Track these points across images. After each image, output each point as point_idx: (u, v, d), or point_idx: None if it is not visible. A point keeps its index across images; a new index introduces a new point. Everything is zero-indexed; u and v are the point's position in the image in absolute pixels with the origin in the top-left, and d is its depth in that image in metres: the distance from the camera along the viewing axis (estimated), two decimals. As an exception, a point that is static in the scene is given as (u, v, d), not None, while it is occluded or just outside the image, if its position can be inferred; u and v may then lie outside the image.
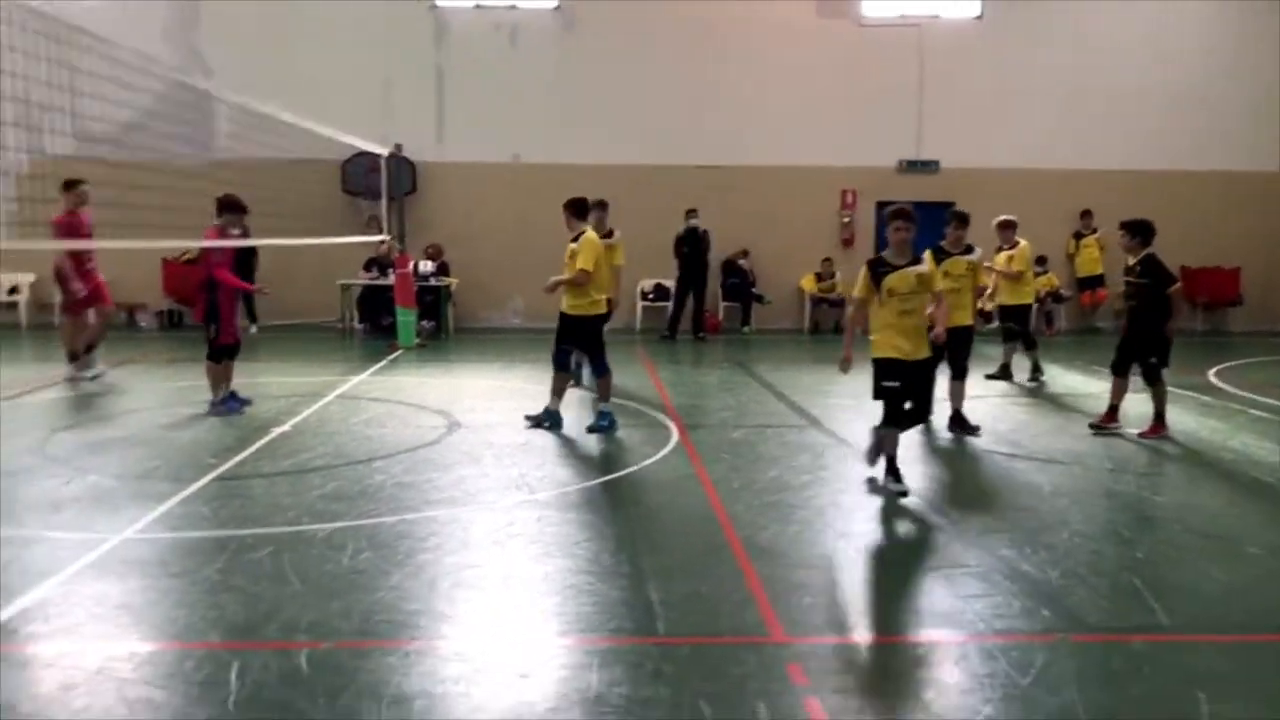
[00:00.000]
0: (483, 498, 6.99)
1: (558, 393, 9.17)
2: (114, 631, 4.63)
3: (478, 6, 17.96)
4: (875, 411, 9.91)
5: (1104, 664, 4.43)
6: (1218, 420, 10.00)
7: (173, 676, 4.14)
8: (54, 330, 16.73)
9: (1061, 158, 18.08)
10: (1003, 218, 11.55)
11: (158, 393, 10.89)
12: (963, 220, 9.52)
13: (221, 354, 9.60)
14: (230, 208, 9.48)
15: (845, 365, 7.32)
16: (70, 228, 10.03)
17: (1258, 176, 18.49)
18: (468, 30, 17.92)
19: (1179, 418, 10.04)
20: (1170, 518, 6.72)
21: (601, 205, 10.34)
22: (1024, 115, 18.21)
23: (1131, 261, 9.10)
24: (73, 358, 11.33)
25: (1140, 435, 8.96)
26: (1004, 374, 12.28)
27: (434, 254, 17.10)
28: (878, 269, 7.03)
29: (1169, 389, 9.15)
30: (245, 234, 10.06)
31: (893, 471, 7.00)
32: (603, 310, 9.20)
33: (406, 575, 5.32)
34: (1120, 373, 9.17)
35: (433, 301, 16.87)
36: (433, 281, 16.73)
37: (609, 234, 10.48)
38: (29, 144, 7.04)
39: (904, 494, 6.82)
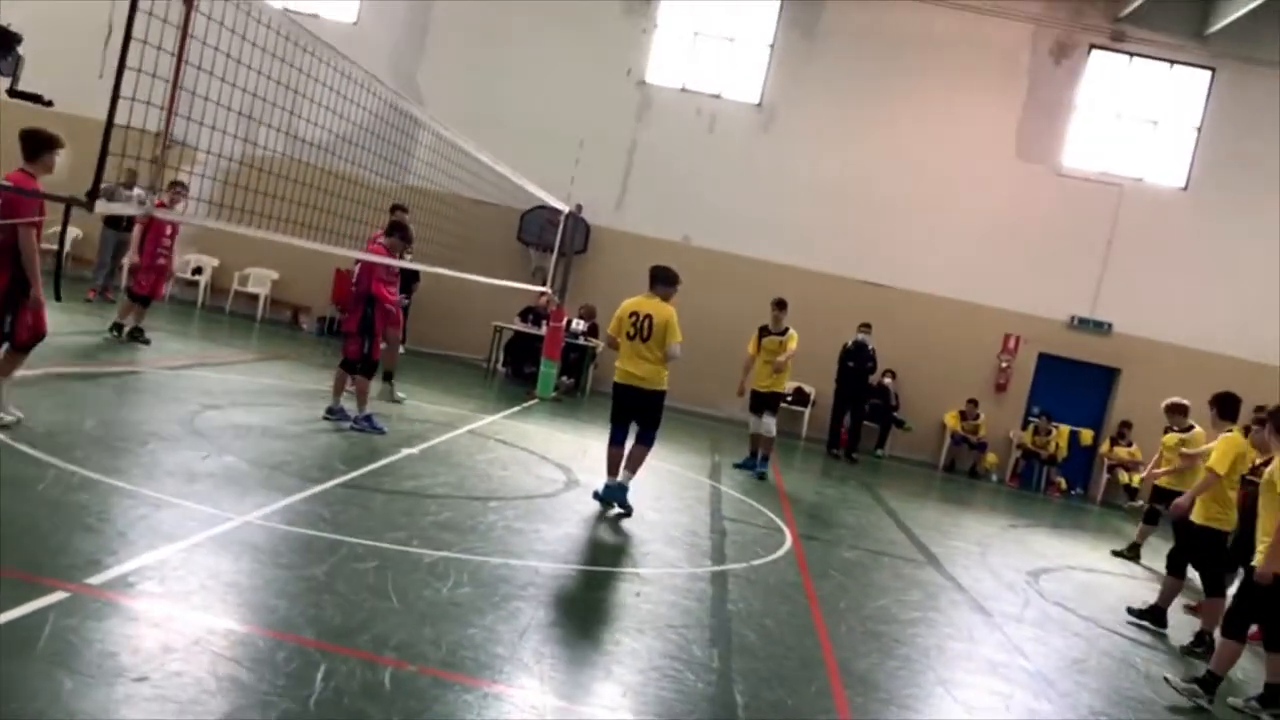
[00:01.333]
0: (587, 560, 6.99)
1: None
2: (219, 606, 4.80)
3: (684, 90, 18.49)
4: (999, 564, 9.52)
5: None
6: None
7: (262, 663, 4.24)
8: (223, 313, 17.81)
9: (1241, 347, 17.19)
10: (1172, 400, 10.93)
11: (308, 394, 11.36)
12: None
13: (371, 368, 9.92)
14: (400, 230, 9.88)
15: None
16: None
17: None
18: (669, 109, 18.44)
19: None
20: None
21: (779, 305, 12.09)
22: (1213, 294, 17.47)
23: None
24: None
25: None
26: (1133, 553, 11.52)
27: (587, 314, 17.44)
28: None
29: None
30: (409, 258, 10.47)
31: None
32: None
33: (500, 618, 5.34)
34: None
35: (577, 359, 17.17)
36: (581, 340, 17.05)
37: (784, 330, 12.03)
38: (247, 133, 7.53)
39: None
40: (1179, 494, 10.67)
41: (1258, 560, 6.31)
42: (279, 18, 7.36)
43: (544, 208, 16.82)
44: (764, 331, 12.05)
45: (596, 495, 8.50)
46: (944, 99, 17.90)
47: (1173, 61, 17.87)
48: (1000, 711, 5.64)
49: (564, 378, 16.59)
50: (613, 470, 8.51)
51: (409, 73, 18.16)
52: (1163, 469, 10.58)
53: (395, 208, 11.32)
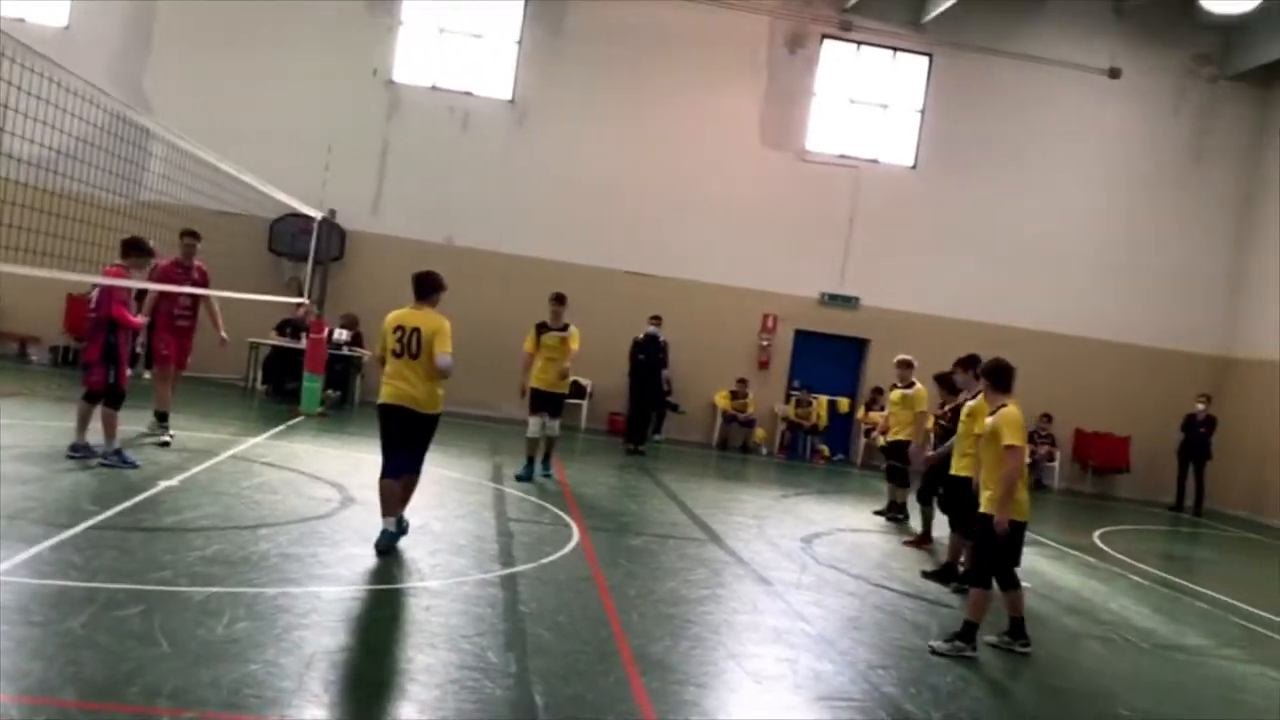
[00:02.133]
0: (371, 579, 6.78)
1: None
2: (-42, 678, 4.32)
3: (434, 88, 18.18)
4: (776, 533, 9.99)
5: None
6: (1099, 582, 10.27)
7: (16, 734, 3.86)
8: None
9: (976, 310, 18.76)
10: (901, 356, 11.94)
11: (44, 431, 10.42)
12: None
13: (118, 398, 9.21)
14: (136, 248, 9.20)
15: None
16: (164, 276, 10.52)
17: (1156, 352, 19.43)
18: (420, 109, 18.10)
19: (1064, 575, 10.33)
20: (1049, 671, 6.81)
21: (558, 299, 11.53)
22: (944, 266, 18.94)
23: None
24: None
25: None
26: (893, 511, 12.29)
27: (350, 323, 16.87)
28: None
29: (1056, 545, 9.38)
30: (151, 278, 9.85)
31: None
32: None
33: (283, 650, 5.10)
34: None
35: (342, 370, 16.60)
36: (345, 351, 16.49)
37: (564, 326, 11.47)
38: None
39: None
40: (905, 444, 11.54)
41: (986, 507, 6.88)
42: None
43: (295, 215, 16.11)
44: (542, 328, 11.52)
45: (379, 549, 7.35)
46: (690, 91, 18.48)
47: (895, 49, 19.20)
48: (788, 677, 5.90)
49: (330, 391, 15.99)
50: (390, 509, 7.51)
51: (133, 79, 16.94)
52: (890, 423, 11.75)
53: (185, 233, 10.92)
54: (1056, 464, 18.95)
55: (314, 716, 4.43)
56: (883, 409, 17.85)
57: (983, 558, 6.93)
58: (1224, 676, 7.32)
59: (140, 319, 9.76)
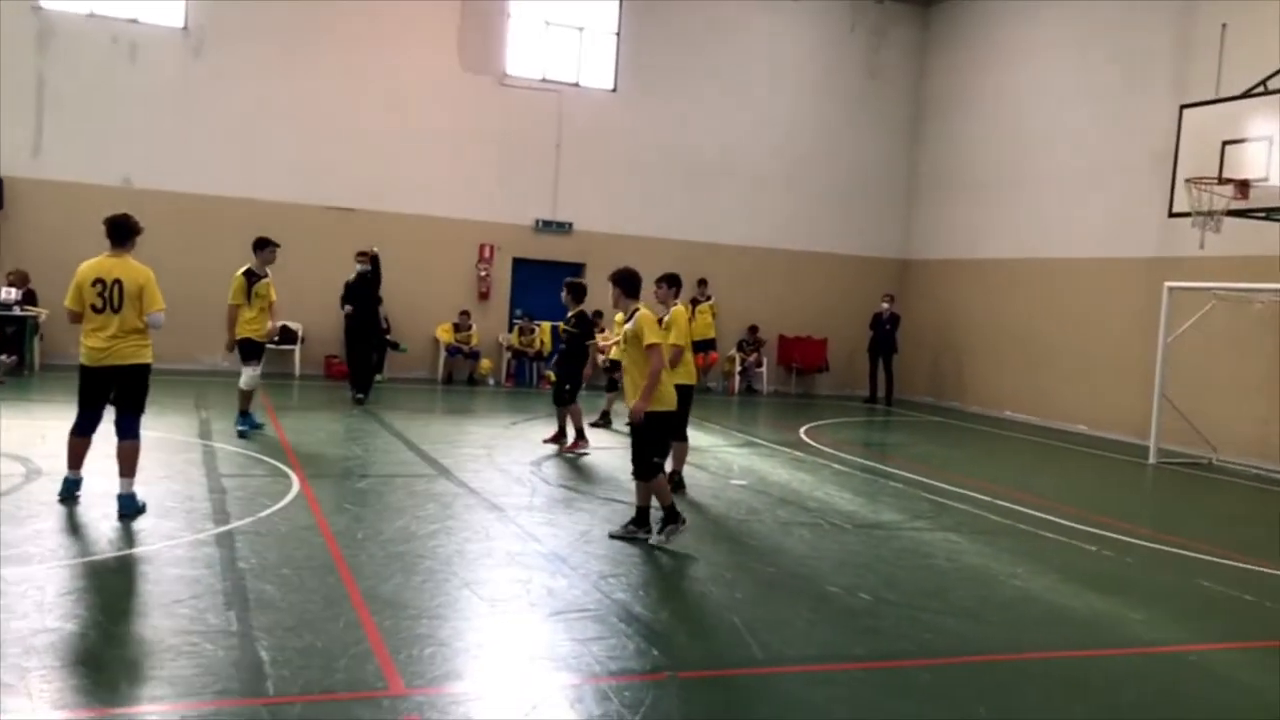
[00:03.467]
0: (65, 554, 6.24)
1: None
2: None
3: (91, 15, 16.40)
4: (506, 460, 10.10)
5: (708, 698, 4.74)
6: (806, 473, 11.10)
7: None
8: None
9: (681, 230, 19.48)
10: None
11: None
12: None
13: None
14: None
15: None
16: None
17: (843, 258, 20.98)
18: (78, 39, 16.28)
19: (775, 470, 11.08)
20: (765, 561, 7.32)
21: (265, 245, 10.98)
22: (648, 188, 19.48)
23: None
24: None
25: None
26: (605, 421, 13.28)
27: (19, 280, 15.19)
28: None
29: (768, 443, 10.02)
30: None
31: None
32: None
33: (-37, 643, 4.60)
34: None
35: (15, 333, 14.96)
36: (17, 311, 14.84)
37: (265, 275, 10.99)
38: None
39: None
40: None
41: (630, 399, 7.39)
42: None
43: (-63, 162, 14.21)
44: (252, 276, 10.99)
45: (61, 497, 7.31)
46: (383, 15, 17.72)
47: (588, -28, 19.21)
48: (522, 597, 6.00)
49: (4, 356, 14.40)
50: (75, 463, 7.37)
51: None
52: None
53: None
54: (764, 369, 20.17)
55: (10, 709, 4.04)
56: (603, 330, 18.35)
57: (638, 453, 7.42)
58: (914, 546, 8.14)
59: None
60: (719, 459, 11.60)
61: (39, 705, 4.11)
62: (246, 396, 10.98)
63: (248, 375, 10.90)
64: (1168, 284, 13.70)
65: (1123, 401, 15.93)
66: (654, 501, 7.48)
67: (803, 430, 14.54)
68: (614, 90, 19.47)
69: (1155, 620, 6.58)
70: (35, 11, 16.05)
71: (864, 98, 21.02)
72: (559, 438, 11.60)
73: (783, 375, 20.84)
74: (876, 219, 21.25)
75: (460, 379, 18.41)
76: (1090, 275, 16.82)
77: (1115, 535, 8.92)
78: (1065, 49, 17.74)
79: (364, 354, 14.89)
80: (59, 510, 7.18)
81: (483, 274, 18.80)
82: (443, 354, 18.30)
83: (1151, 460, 13.65)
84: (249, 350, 10.96)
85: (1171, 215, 12.93)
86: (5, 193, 15.68)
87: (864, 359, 19.98)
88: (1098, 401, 16.55)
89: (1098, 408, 16.53)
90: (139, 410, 7.35)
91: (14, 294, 14.96)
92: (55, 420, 9.04)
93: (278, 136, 17.20)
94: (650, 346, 7.26)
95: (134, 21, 16.60)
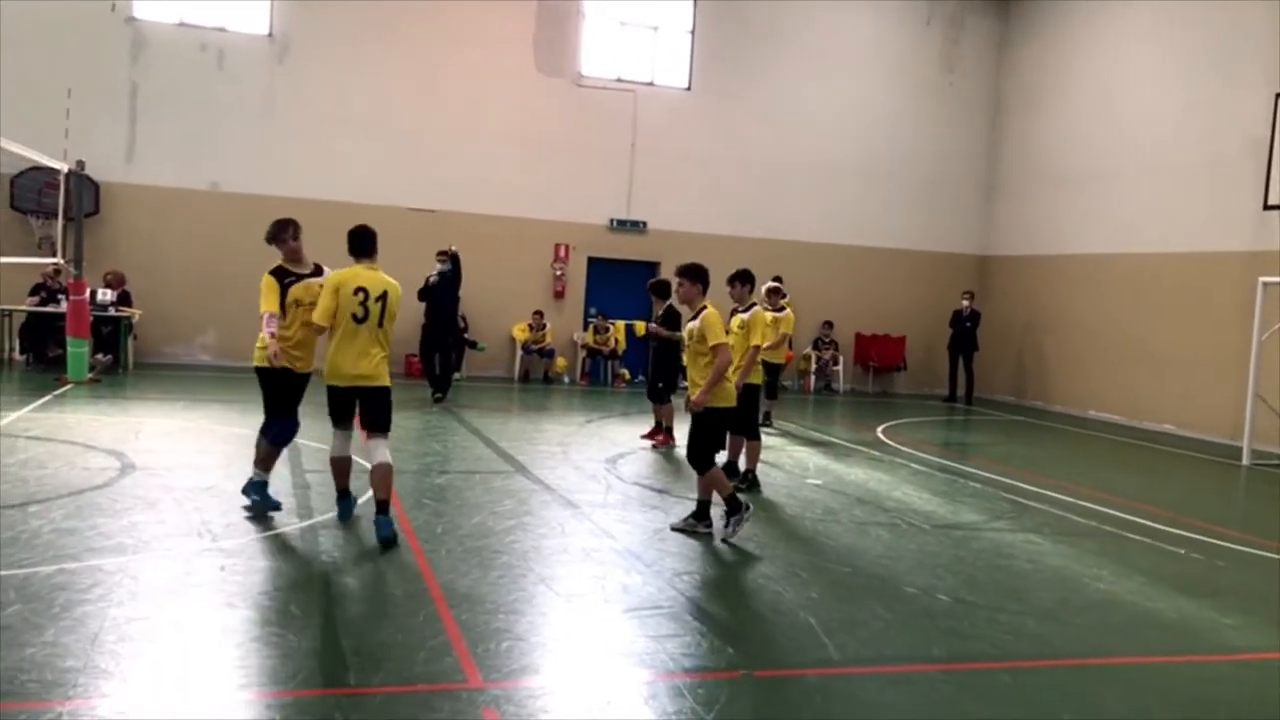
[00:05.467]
0: (158, 545, 6.45)
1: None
2: None
3: (181, 24, 16.93)
4: (581, 458, 10.15)
5: (782, 698, 4.72)
6: (883, 473, 10.97)
7: None
8: None
9: (755, 228, 19.40)
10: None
11: None
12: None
13: None
14: None
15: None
16: None
17: (922, 255, 20.67)
18: (169, 48, 16.82)
19: (851, 469, 10.98)
20: (841, 561, 7.26)
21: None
22: (723, 186, 19.43)
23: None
24: None
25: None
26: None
27: (114, 282, 15.75)
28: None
29: (844, 442, 9.92)
30: None
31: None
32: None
33: (63, 630, 4.79)
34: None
35: (111, 333, 15.52)
36: (112, 312, 15.39)
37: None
38: None
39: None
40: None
41: (692, 394, 7.44)
42: None
43: (38, 169, 14.81)
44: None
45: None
46: (459, 20, 17.97)
47: (661, -29, 19.25)
48: (597, 593, 6.04)
49: (100, 355, 14.95)
50: (266, 466, 7.36)
51: None
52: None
53: None
54: (840, 368, 19.97)
55: (104, 693, 4.21)
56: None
57: (697, 446, 7.45)
58: (995, 547, 7.99)
59: None
60: (794, 458, 11.53)
61: (132, 690, 4.26)
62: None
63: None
64: (1262, 279, 13.21)
65: (1213, 401, 15.43)
66: (715, 496, 7.49)
67: (880, 429, 14.36)
68: (688, 89, 19.46)
69: (1248, 625, 6.37)
70: (129, 23, 16.62)
71: (941, 91, 20.68)
72: (656, 433, 11.73)
73: (859, 374, 20.61)
74: (955, 215, 20.91)
75: (536, 377, 18.59)
76: (1180, 270, 16.32)
77: (1205, 538, 8.65)
78: (1152, 40, 17.25)
79: (443, 353, 14.96)
80: (155, 502, 7.42)
81: (558, 273, 18.95)
82: (519, 353, 18.49)
83: (1244, 461, 13.20)
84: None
85: (1267, 208, 12.50)
86: (101, 197, 16.26)
87: (943, 357, 19.67)
88: (1187, 401, 16.05)
89: (1187, 407, 16.03)
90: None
91: (110, 295, 15.50)
92: (150, 419, 9.37)
93: (358, 139, 17.55)
94: (716, 346, 7.29)
95: (221, 30, 17.10)
